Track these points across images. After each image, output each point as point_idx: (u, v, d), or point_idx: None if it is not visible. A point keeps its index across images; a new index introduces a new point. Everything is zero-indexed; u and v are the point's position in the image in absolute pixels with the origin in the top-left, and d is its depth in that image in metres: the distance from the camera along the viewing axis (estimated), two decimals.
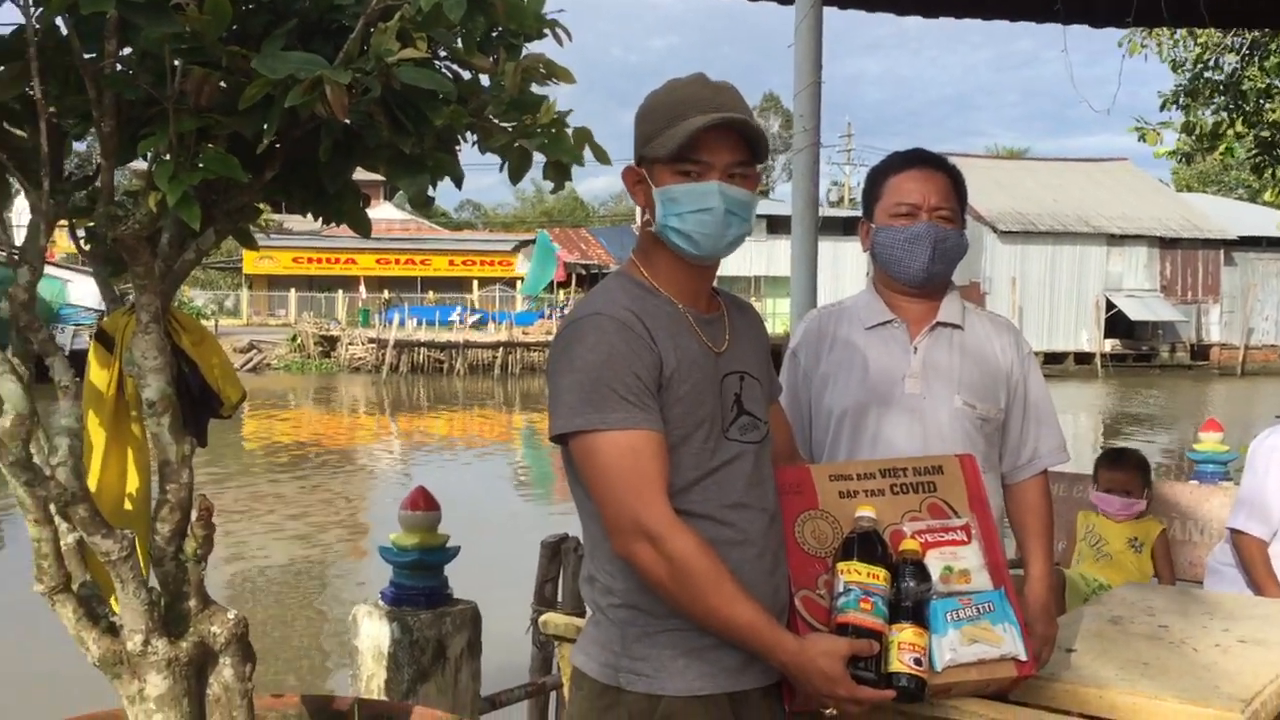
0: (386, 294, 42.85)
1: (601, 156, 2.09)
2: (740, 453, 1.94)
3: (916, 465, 2.17)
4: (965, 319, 2.56)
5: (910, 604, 1.91)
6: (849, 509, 2.03)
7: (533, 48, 2.04)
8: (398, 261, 47.18)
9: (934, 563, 1.99)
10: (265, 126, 1.78)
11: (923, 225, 2.46)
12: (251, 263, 43.79)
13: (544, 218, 65.58)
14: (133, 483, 2.27)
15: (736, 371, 1.98)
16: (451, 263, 48.52)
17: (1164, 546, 4.10)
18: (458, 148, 2.08)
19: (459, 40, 1.92)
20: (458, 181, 2.08)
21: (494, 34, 2.00)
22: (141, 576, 2.10)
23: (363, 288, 43.03)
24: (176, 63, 1.80)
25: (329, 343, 36.12)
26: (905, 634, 1.89)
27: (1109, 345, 41.65)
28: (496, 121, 2.01)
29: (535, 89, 2.00)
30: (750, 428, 1.97)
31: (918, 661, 1.88)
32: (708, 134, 1.87)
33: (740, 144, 1.91)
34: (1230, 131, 10.53)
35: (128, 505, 2.26)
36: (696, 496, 1.88)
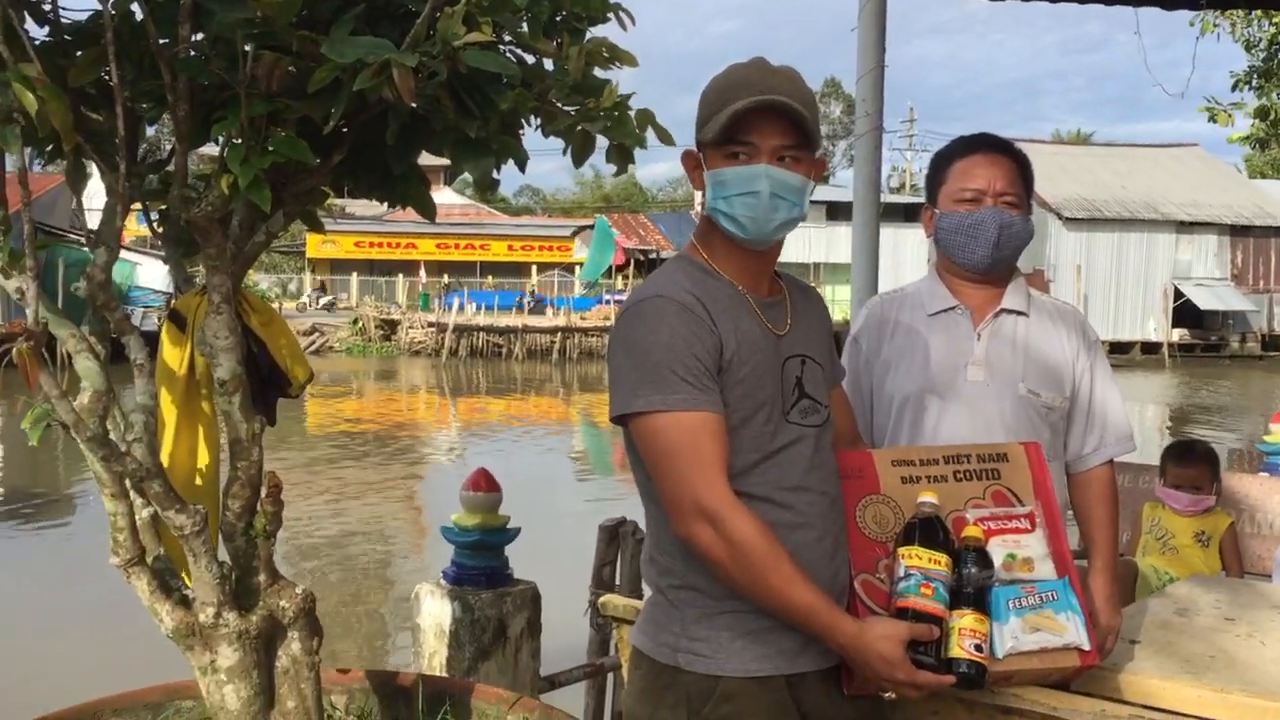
0: (446, 278, 43.18)
1: (665, 138, 2.10)
2: (800, 436, 1.93)
3: (981, 452, 2.15)
4: (1030, 306, 2.53)
5: (972, 590, 1.90)
6: (911, 494, 2.02)
7: (596, 32, 2.06)
8: (457, 246, 47.51)
9: (997, 550, 1.98)
10: (333, 110, 1.81)
11: (987, 211, 2.43)
12: (315, 246, 44.39)
13: (602, 203, 65.68)
14: (203, 459, 2.32)
15: (798, 355, 1.97)
16: (510, 248, 48.77)
17: (1232, 540, 4.02)
18: (521, 131, 2.10)
19: (524, 24, 1.93)
20: (521, 164, 2.10)
21: (558, 18, 2.02)
22: (213, 551, 2.15)
23: (423, 272, 43.41)
24: (248, 48, 1.83)
25: (389, 326, 36.53)
26: (966, 620, 1.87)
27: (1177, 335, 40.79)
28: (560, 105, 2.02)
29: (598, 73, 2.01)
30: (811, 411, 1.96)
31: (978, 648, 1.87)
32: (754, 116, 1.85)
33: (789, 127, 1.88)
34: None
35: (198, 481, 2.31)
36: (756, 479, 1.88)
